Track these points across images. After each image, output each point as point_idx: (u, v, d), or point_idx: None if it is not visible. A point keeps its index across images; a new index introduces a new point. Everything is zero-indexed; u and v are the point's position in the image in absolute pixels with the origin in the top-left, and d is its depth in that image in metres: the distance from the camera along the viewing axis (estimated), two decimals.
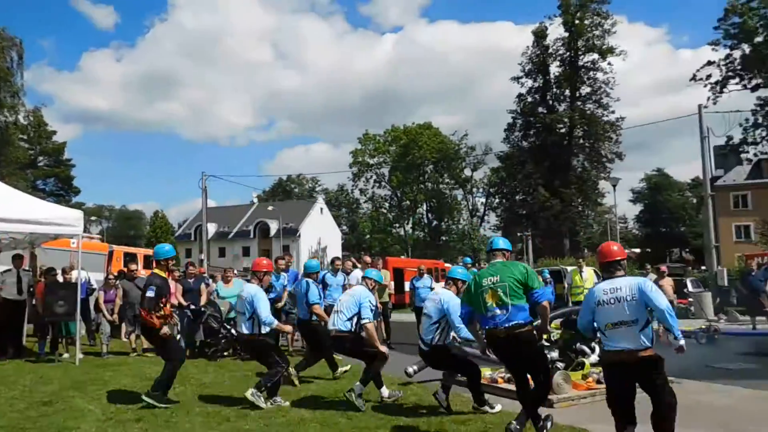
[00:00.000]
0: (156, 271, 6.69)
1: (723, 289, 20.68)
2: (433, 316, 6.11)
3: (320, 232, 61.40)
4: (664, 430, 4.24)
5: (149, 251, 19.39)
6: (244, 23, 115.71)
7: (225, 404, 6.39)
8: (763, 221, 37.34)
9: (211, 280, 12.93)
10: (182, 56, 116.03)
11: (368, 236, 70.15)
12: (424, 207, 66.08)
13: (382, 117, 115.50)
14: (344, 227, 75.92)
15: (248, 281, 7.67)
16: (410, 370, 6.91)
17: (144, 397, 6.20)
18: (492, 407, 5.97)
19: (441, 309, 6.04)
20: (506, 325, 4.94)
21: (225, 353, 10.33)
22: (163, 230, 50.91)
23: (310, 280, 8.11)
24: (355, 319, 6.41)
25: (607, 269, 4.64)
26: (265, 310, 6.38)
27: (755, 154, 37.85)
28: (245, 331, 6.47)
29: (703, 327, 12.51)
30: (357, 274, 10.23)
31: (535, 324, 5.14)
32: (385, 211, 68.50)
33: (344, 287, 10.74)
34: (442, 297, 6.13)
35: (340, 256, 15.87)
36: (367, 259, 12.26)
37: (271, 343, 7.07)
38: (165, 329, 6.45)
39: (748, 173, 45.79)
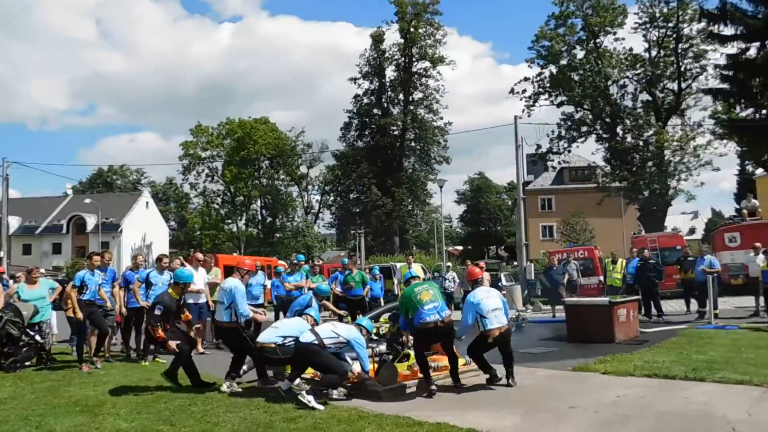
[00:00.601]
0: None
1: (530, 282, 23.00)
2: None
3: (145, 227, 57.36)
4: (510, 366, 7.04)
5: None
6: None
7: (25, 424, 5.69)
8: (564, 222, 42.37)
9: (11, 281, 11.48)
10: None
11: (198, 233, 66.94)
12: (259, 203, 64.62)
13: (217, 109, 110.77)
14: (172, 223, 71.64)
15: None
16: (283, 386, 6.70)
17: None
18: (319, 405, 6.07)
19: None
20: (443, 315, 6.73)
21: (27, 363, 9.20)
22: None
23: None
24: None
25: (476, 283, 7.50)
26: (242, 304, 7.17)
27: (559, 162, 42.54)
28: (225, 319, 7.23)
29: (513, 317, 13.77)
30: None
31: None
32: (217, 206, 65.77)
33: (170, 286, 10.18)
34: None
35: (167, 254, 14.94)
36: (199, 256, 11.71)
37: (245, 334, 7.43)
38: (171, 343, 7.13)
39: (553, 179, 51.82)
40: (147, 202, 60.99)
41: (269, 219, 64.42)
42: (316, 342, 6.58)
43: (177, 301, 7.35)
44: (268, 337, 6.94)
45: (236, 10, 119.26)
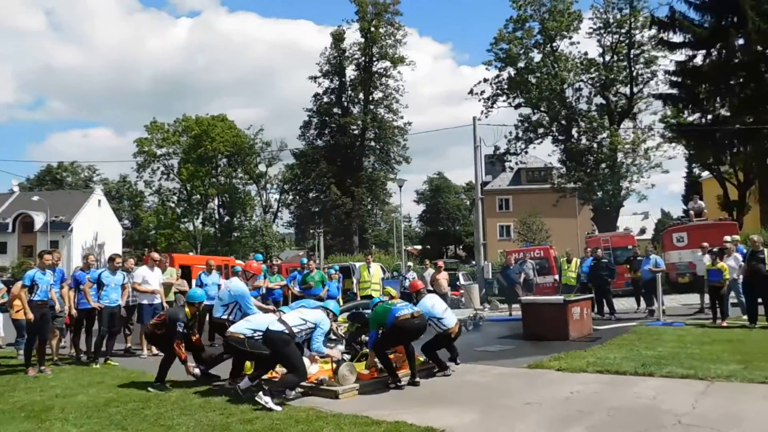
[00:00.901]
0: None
1: (488, 281, 23.33)
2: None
3: (97, 226, 55.73)
4: (455, 351, 7.90)
5: None
6: None
7: None
8: (521, 222, 43.11)
9: None
10: None
11: (153, 232, 65.35)
12: (216, 202, 63.49)
13: (173, 105, 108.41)
14: (126, 221, 69.80)
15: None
16: (242, 386, 6.59)
17: None
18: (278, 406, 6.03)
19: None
20: (415, 309, 7.25)
21: None
22: None
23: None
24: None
25: (419, 293, 7.96)
26: (250, 307, 7.85)
27: (516, 163, 43.31)
28: (220, 314, 7.89)
29: (471, 315, 13.95)
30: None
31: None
32: (173, 205, 64.29)
33: (123, 286, 9.91)
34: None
35: (120, 253, 14.53)
36: (155, 256, 11.42)
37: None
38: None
39: (511, 180, 52.67)
40: (99, 200, 59.25)
41: (227, 218, 63.40)
42: (287, 331, 6.56)
43: (189, 320, 7.62)
44: (238, 328, 7.04)
45: (194, 5, 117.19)
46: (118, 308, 9.77)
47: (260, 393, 6.08)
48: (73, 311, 9.69)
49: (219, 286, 11.86)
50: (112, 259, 10.15)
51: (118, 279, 9.78)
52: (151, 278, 10.61)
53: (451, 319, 7.57)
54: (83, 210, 55.49)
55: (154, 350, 10.46)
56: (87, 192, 60.38)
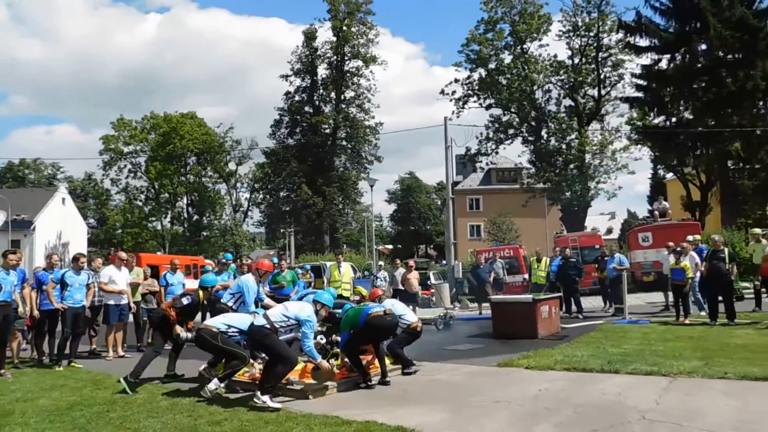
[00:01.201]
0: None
1: (458, 280, 23.49)
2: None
3: (61, 225, 54.24)
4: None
5: None
6: None
7: None
8: (491, 221, 43.54)
9: None
10: None
11: (120, 231, 64.01)
12: (185, 200, 62.49)
13: (141, 102, 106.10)
14: (91, 220, 68.14)
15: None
16: (211, 386, 6.48)
17: None
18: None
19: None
20: (387, 307, 7.42)
21: None
22: None
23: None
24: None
25: (380, 299, 8.62)
26: (250, 300, 8.17)
27: (487, 164, 43.71)
28: (227, 301, 8.27)
29: (441, 315, 14.02)
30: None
31: None
32: (140, 203, 63.09)
33: (88, 287, 9.70)
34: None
35: (85, 253, 14.20)
36: (122, 255, 11.19)
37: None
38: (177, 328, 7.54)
39: (481, 180, 53.17)
40: (63, 198, 57.70)
41: (196, 217, 62.48)
42: (268, 326, 6.47)
43: (199, 304, 7.98)
44: (213, 321, 7.10)
45: (164, 1, 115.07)
46: (83, 309, 9.55)
47: (258, 393, 6.00)
48: (35, 312, 9.44)
49: (183, 285, 11.80)
50: (76, 258, 9.90)
51: (82, 279, 9.55)
52: (119, 278, 10.41)
53: (412, 316, 7.99)
54: (46, 208, 53.96)
55: (120, 351, 10.29)
56: (50, 190, 58.73)
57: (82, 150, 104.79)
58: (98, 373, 8.32)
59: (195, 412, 5.84)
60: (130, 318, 10.78)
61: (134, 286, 11.08)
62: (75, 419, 5.76)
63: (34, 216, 52.38)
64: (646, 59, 31.50)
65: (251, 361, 7.04)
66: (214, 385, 6.43)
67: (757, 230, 12.66)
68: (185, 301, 7.65)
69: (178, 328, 7.48)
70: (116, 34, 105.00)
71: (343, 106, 49.94)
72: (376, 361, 7.23)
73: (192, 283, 21.09)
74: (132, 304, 10.63)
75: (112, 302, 10.23)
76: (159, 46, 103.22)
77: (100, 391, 6.98)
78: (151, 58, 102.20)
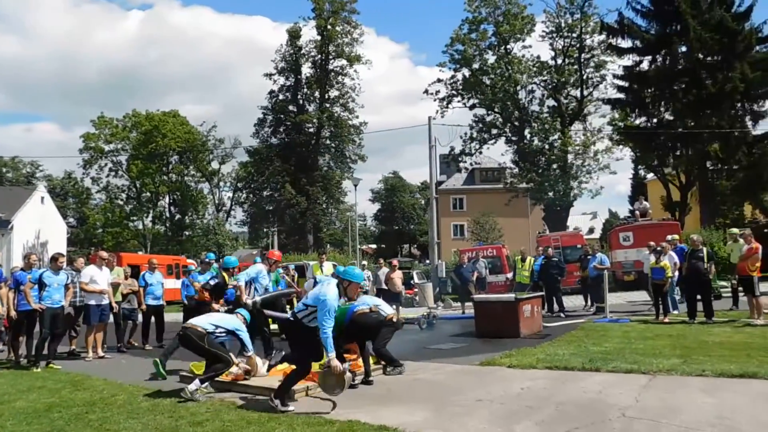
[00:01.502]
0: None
1: (442, 280, 23.56)
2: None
3: (40, 224, 53.40)
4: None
5: None
6: None
7: None
8: (474, 221, 43.73)
9: None
10: None
11: (101, 230, 63.19)
12: (167, 200, 61.88)
13: (123, 100, 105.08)
14: (71, 220, 67.17)
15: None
16: (191, 387, 6.41)
17: None
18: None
19: None
20: (371, 304, 7.48)
21: None
22: None
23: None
24: None
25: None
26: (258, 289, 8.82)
27: (471, 164, 43.87)
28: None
29: (425, 314, 14.05)
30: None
31: None
32: (121, 202, 62.35)
33: (67, 287, 9.57)
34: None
35: (64, 253, 14.01)
36: (103, 254, 11.04)
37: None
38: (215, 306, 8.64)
39: (465, 179, 53.39)
40: (42, 197, 56.80)
41: (178, 216, 61.88)
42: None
43: (226, 284, 8.91)
44: (200, 321, 7.00)
45: None
46: (61, 309, 9.42)
47: (271, 395, 5.88)
48: (12, 313, 9.29)
49: (162, 285, 11.75)
50: (55, 258, 9.74)
51: (61, 279, 9.42)
52: (100, 278, 10.27)
53: (387, 307, 7.98)
54: (25, 207, 53.09)
55: (100, 352, 10.16)
56: (29, 189, 57.81)
57: (62, 148, 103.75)
58: (77, 374, 8.21)
59: (176, 413, 5.79)
60: (111, 318, 10.66)
61: (115, 286, 10.96)
62: (53, 421, 5.67)
63: (11, 215, 51.50)
64: (627, 60, 31.93)
65: (236, 360, 6.99)
66: (194, 385, 6.38)
67: (735, 230, 12.88)
68: (212, 282, 8.82)
69: (216, 306, 8.46)
70: (98, 31, 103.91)
71: (327, 105, 49.79)
72: (360, 361, 7.22)
73: (173, 283, 20.94)
74: (113, 304, 10.51)
75: (93, 302, 10.10)
76: (141, 43, 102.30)
77: (79, 393, 6.89)
78: (133, 55, 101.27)
